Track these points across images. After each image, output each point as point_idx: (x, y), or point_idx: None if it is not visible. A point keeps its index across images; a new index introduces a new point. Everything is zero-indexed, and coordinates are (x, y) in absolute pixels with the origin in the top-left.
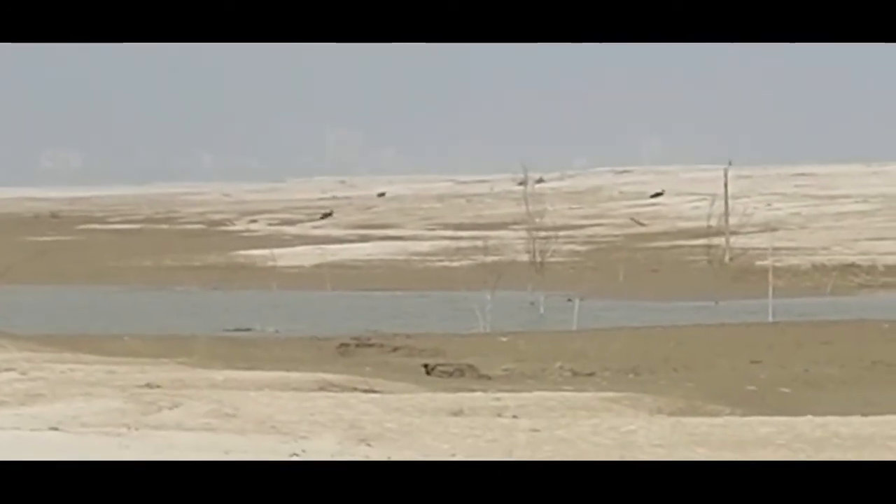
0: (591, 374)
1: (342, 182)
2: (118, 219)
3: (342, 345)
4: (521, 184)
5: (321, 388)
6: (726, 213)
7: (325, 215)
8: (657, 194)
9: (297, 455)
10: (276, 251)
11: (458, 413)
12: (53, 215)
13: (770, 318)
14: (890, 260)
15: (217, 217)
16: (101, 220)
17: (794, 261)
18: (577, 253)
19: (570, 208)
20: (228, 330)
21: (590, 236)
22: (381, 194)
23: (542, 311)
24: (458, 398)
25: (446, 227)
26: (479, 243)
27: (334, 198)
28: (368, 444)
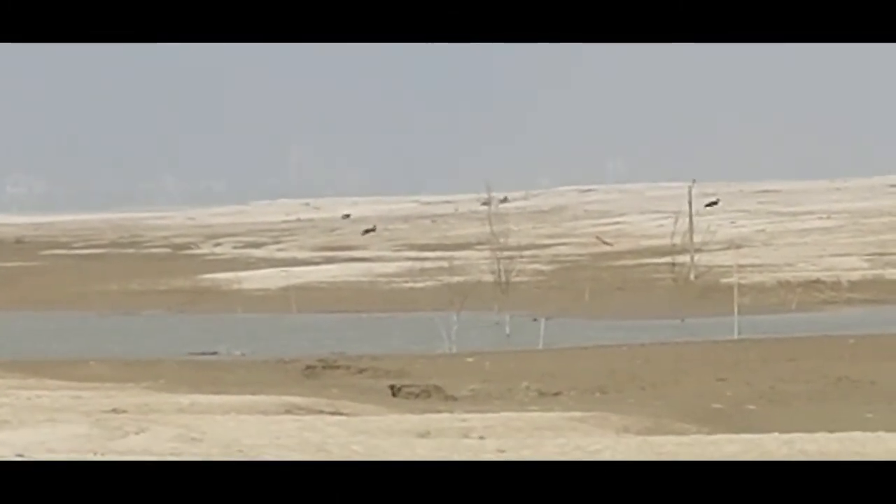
0: (557, 394)
1: (306, 204)
2: (82, 244)
3: (308, 367)
4: (485, 204)
5: (287, 411)
6: (691, 231)
7: (367, 231)
8: (712, 203)
9: None
10: (242, 274)
11: (424, 435)
12: (18, 241)
13: (736, 335)
14: (854, 276)
15: (182, 241)
16: (66, 246)
17: (758, 278)
18: (542, 272)
19: (535, 228)
20: (194, 353)
21: (555, 256)
22: (346, 216)
23: (507, 330)
24: (425, 420)
25: (411, 247)
26: (445, 264)
27: (298, 220)
28: None
